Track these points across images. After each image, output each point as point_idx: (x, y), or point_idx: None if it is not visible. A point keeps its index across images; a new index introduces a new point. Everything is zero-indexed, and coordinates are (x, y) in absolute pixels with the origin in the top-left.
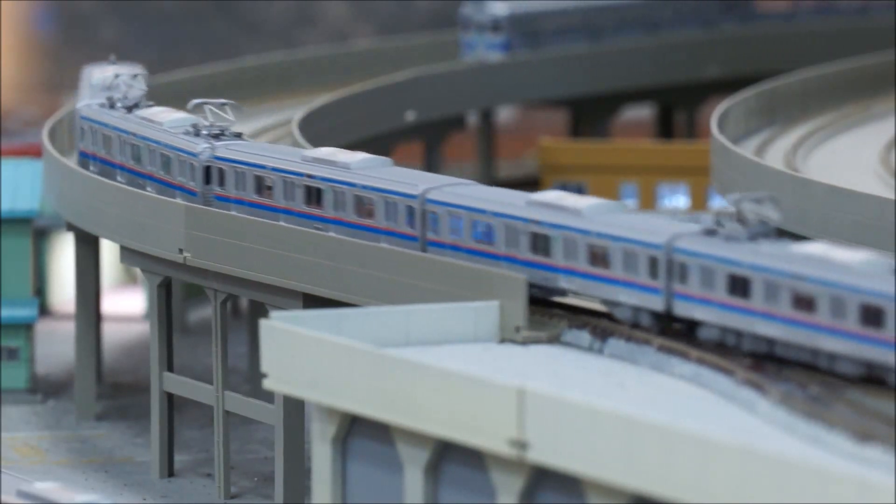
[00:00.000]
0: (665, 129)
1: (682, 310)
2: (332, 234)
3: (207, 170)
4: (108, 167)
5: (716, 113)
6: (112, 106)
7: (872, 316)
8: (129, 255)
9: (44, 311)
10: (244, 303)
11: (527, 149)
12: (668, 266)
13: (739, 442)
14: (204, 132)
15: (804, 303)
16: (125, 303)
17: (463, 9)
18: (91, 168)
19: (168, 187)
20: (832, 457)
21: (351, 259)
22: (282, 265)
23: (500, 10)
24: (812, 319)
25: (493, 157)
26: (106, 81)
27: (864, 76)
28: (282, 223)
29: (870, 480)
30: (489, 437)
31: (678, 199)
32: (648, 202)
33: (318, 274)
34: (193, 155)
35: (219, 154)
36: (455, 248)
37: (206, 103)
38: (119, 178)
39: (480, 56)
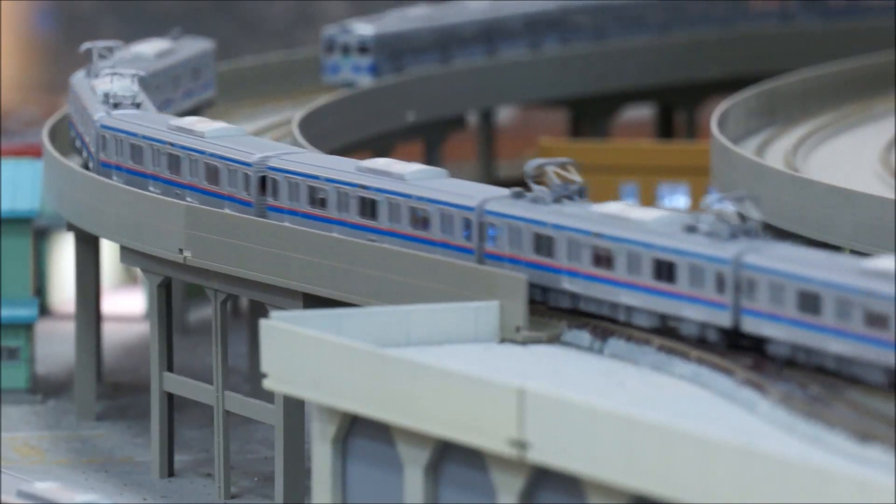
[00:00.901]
0: (665, 129)
1: (490, 266)
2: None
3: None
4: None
5: (716, 113)
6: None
7: (665, 270)
8: (129, 255)
9: (44, 311)
10: (244, 303)
11: (527, 149)
12: (479, 227)
13: (739, 442)
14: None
15: (604, 260)
16: (125, 303)
17: (326, 30)
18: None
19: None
20: (832, 457)
21: (351, 259)
22: (282, 265)
23: (366, 31)
24: (611, 276)
25: (493, 157)
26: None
27: (864, 76)
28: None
29: (870, 480)
30: (489, 437)
31: (678, 199)
32: (648, 202)
33: (318, 274)
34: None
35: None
36: (293, 212)
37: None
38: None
39: (346, 79)
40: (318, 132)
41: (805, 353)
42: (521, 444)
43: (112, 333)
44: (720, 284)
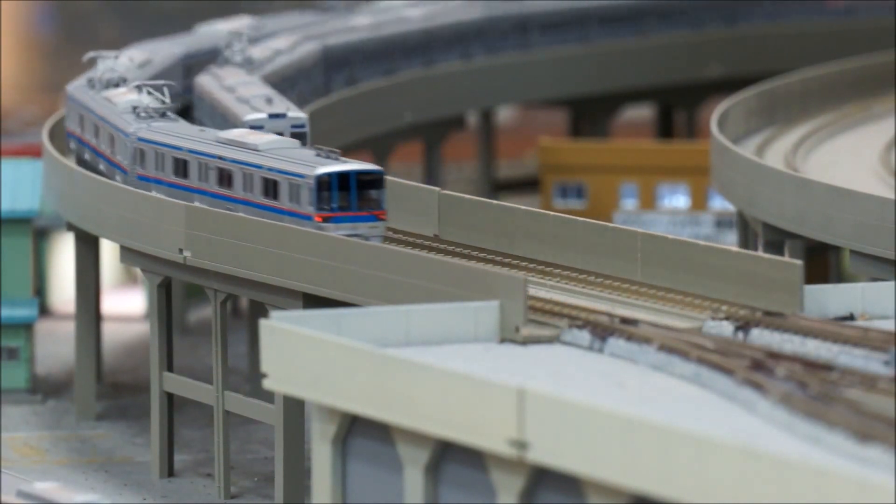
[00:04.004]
0: (665, 129)
1: None
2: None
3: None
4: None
5: (716, 113)
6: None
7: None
8: (129, 255)
9: (44, 311)
10: (244, 303)
11: (527, 149)
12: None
13: (739, 442)
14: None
15: (226, 179)
16: (125, 303)
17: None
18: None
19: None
20: (832, 457)
21: (351, 259)
22: (282, 265)
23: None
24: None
25: (493, 157)
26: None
27: (864, 76)
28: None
29: (870, 480)
30: (489, 437)
31: (678, 199)
32: (648, 202)
33: (318, 274)
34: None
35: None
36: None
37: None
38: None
39: None
40: (319, 132)
41: None
42: (521, 444)
43: (112, 333)
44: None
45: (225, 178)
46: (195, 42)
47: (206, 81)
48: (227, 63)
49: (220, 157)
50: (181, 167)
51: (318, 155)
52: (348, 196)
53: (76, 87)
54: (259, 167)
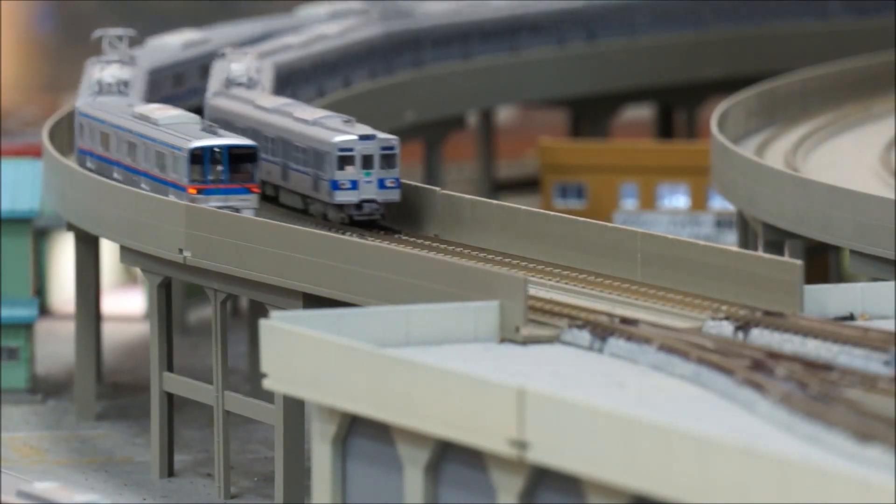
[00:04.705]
0: (665, 129)
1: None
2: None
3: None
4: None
5: (716, 113)
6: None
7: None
8: (129, 255)
9: (44, 311)
10: (244, 303)
11: (527, 149)
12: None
13: (739, 442)
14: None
15: (133, 152)
16: (125, 303)
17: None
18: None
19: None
20: (832, 457)
21: (351, 259)
22: (282, 265)
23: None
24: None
25: (493, 157)
26: None
27: (864, 76)
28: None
29: (870, 480)
30: (489, 437)
31: (678, 199)
32: (648, 202)
33: (318, 274)
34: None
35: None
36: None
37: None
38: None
39: None
40: None
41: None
42: (521, 444)
43: (112, 333)
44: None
45: (132, 151)
46: (149, 56)
47: (242, 108)
48: (233, 85)
49: (130, 131)
50: (106, 141)
51: (203, 129)
52: (221, 169)
53: (94, 101)
54: (155, 141)
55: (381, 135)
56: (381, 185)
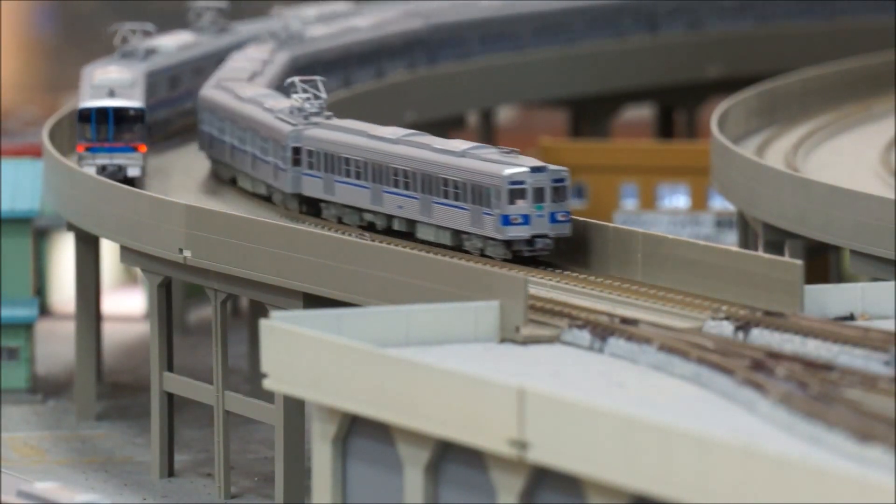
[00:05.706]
0: (665, 129)
1: None
2: None
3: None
4: None
5: (716, 113)
6: None
7: None
8: (129, 255)
9: (44, 311)
10: (244, 303)
11: (527, 149)
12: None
13: (739, 442)
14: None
15: None
16: (125, 303)
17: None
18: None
19: None
20: (832, 457)
21: (351, 259)
22: (282, 265)
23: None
24: None
25: None
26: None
27: (864, 76)
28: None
29: (870, 480)
30: (489, 437)
31: (678, 199)
32: (648, 202)
33: (318, 274)
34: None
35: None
36: None
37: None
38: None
39: None
40: None
41: None
42: (521, 444)
43: (112, 333)
44: None
45: None
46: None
47: (343, 138)
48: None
49: None
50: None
51: (107, 95)
52: (106, 129)
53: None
54: None
55: (552, 167)
56: (553, 218)
